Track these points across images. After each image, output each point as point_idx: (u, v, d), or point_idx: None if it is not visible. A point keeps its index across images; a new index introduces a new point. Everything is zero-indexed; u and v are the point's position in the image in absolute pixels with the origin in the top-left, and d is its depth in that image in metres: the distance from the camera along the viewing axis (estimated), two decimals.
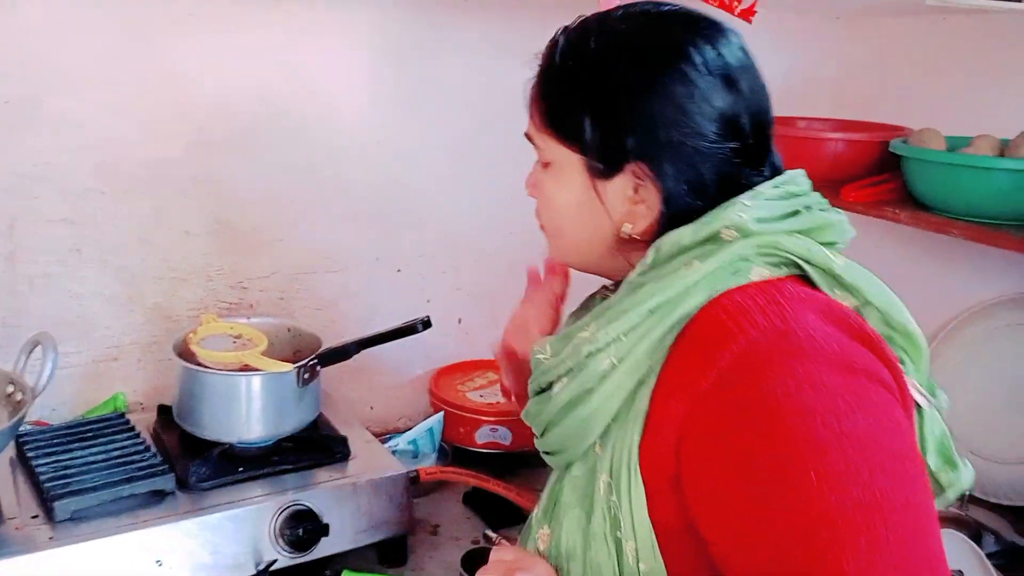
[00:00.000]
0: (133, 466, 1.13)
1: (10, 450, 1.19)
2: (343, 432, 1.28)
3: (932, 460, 0.78)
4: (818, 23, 1.81)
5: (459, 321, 1.68)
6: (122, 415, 1.28)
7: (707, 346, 0.69)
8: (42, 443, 1.18)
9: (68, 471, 1.11)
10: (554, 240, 0.86)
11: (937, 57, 1.66)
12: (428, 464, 1.45)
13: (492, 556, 0.79)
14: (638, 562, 0.72)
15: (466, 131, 1.57)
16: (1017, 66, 1.53)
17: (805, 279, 0.76)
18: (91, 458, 1.15)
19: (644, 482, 0.72)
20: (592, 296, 0.93)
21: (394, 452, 1.40)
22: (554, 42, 0.83)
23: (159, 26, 1.31)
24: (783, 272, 0.75)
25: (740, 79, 0.77)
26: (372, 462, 1.24)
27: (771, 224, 0.75)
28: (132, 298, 1.37)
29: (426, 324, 1.18)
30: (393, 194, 1.54)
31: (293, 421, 1.23)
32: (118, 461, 1.15)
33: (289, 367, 1.19)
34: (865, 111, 1.71)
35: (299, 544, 1.12)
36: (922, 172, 1.39)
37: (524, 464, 1.47)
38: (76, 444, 1.18)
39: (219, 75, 1.36)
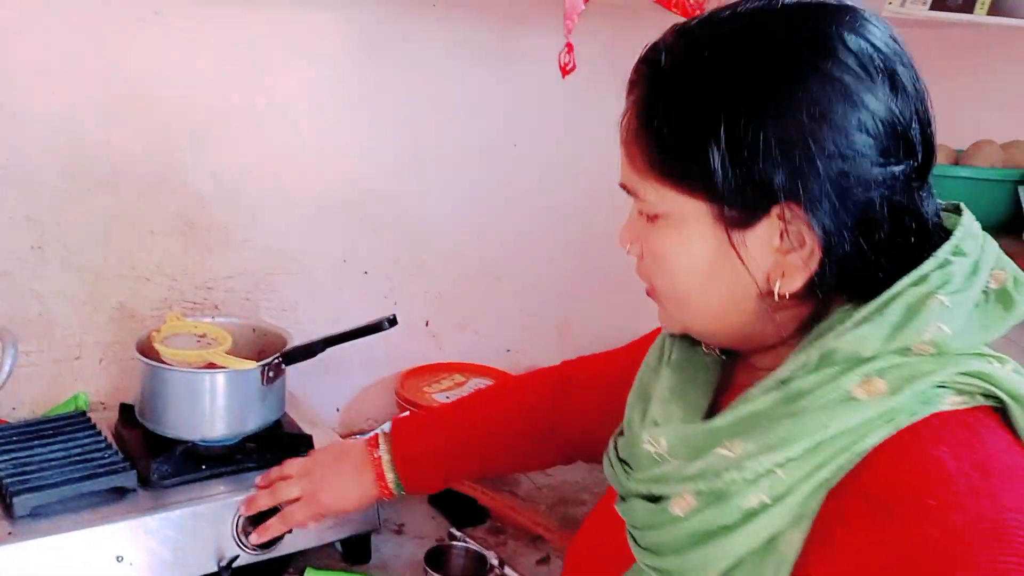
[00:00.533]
0: (94, 463, 1.12)
1: None
2: (308, 432, 1.28)
3: None
4: None
5: (426, 323, 1.69)
6: (83, 413, 1.27)
7: (893, 511, 0.58)
8: (1, 441, 1.17)
9: (28, 468, 1.10)
10: (676, 310, 0.71)
11: None
12: None
13: None
14: None
15: (430, 134, 1.58)
16: (970, 80, 1.58)
17: (999, 410, 0.63)
18: (51, 455, 1.14)
19: None
20: (682, 340, 0.78)
21: None
22: (648, 61, 0.68)
23: (123, 25, 1.30)
24: (976, 401, 0.62)
25: (901, 75, 0.63)
26: None
27: (972, 336, 0.62)
28: (94, 297, 1.37)
29: (392, 322, 1.18)
30: (358, 196, 1.55)
31: (257, 419, 1.22)
32: (79, 458, 1.13)
33: (253, 364, 1.19)
34: None
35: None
36: None
37: None
38: (36, 442, 1.17)
39: (183, 75, 1.36)
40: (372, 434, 1.10)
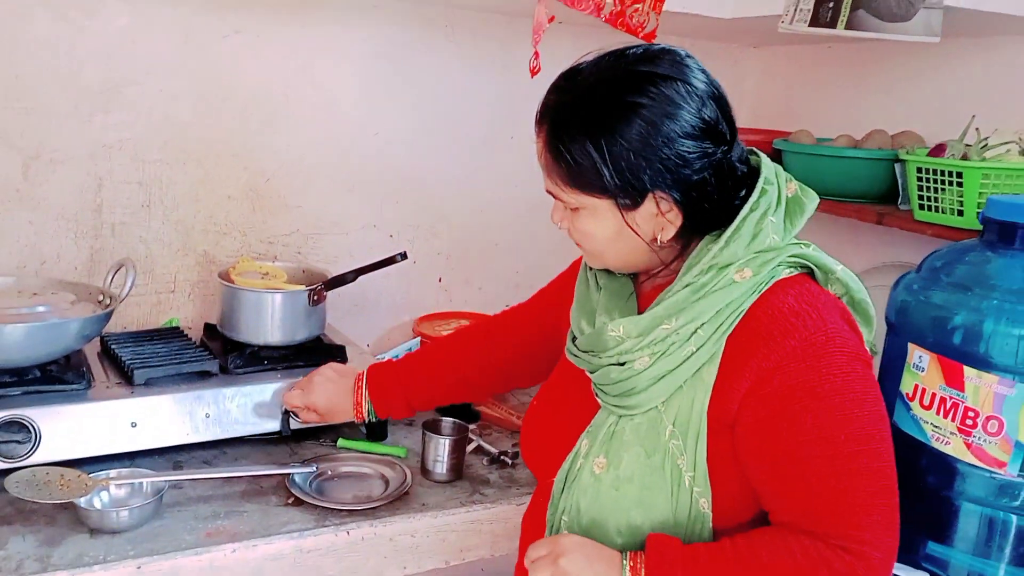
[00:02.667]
0: (188, 355, 1.55)
1: (96, 347, 1.61)
2: (342, 345, 1.69)
3: None
4: (737, 51, 2.24)
5: (439, 280, 2.09)
6: (178, 328, 1.70)
7: (770, 336, 0.95)
8: (121, 340, 1.60)
9: (142, 355, 1.53)
10: (595, 259, 1.08)
11: (818, 76, 2.09)
12: None
13: (529, 556, 1.03)
14: (693, 487, 0.99)
15: (442, 126, 1.99)
16: (869, 83, 1.94)
17: (810, 272, 1.04)
18: (157, 350, 1.56)
19: (708, 430, 0.99)
20: (601, 271, 1.15)
21: None
22: (548, 116, 1.01)
23: (211, 38, 1.74)
24: (797, 271, 1.02)
25: (708, 98, 0.98)
26: (363, 365, 1.63)
27: (788, 234, 1.02)
28: (186, 245, 1.80)
29: (403, 256, 1.59)
30: (386, 174, 1.96)
31: (305, 331, 1.64)
32: (177, 352, 1.56)
33: (303, 288, 1.61)
34: (777, 121, 2.13)
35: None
36: (795, 161, 1.81)
37: None
38: (146, 342, 1.60)
39: (254, 76, 1.79)
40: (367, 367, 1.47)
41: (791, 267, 1.02)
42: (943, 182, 1.49)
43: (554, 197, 1.05)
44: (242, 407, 1.48)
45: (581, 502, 1.05)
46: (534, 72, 1.58)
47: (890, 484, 0.95)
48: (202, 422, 1.45)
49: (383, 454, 1.57)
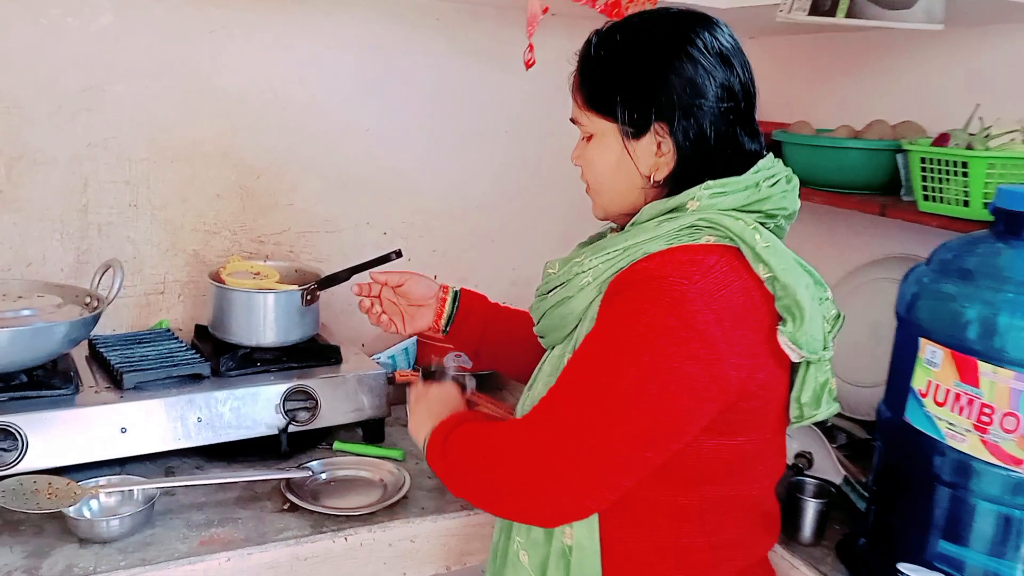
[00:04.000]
0: (178, 358, 1.51)
1: (83, 350, 1.57)
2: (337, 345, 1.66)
3: (806, 396, 1.03)
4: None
5: (435, 277, 2.04)
6: (168, 330, 1.66)
7: (632, 271, 0.98)
8: (109, 343, 1.57)
9: (131, 359, 1.49)
10: (597, 196, 1.11)
11: (817, 66, 2.06)
12: None
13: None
14: None
15: (435, 122, 1.96)
16: (869, 73, 1.91)
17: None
18: (147, 353, 1.53)
19: None
20: (601, 234, 1.21)
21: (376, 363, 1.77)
22: (588, 42, 1.09)
23: (197, 35, 1.70)
24: (727, 243, 0.99)
25: (732, 58, 1.03)
26: (359, 366, 1.61)
27: (723, 199, 1.00)
28: (175, 245, 1.76)
29: (398, 254, 1.54)
30: (378, 171, 1.92)
31: (298, 332, 1.60)
32: (167, 355, 1.53)
33: (296, 288, 1.58)
34: (776, 113, 2.10)
35: (299, 416, 1.49)
36: (795, 153, 1.78)
37: (483, 385, 1.84)
38: (135, 345, 1.57)
39: (241, 74, 1.76)
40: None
41: (715, 236, 1.00)
42: (947, 172, 1.46)
43: (575, 123, 1.11)
44: (235, 411, 1.45)
45: None
46: (528, 65, 1.54)
47: (609, 438, 0.94)
48: (194, 427, 1.41)
49: (381, 456, 1.54)
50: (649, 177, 1.05)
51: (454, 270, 2.06)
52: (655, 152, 1.04)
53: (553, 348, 1.12)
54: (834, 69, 2.00)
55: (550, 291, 1.11)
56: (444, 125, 1.97)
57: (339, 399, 1.53)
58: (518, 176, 2.06)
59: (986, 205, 1.42)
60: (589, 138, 1.09)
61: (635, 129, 1.04)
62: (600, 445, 0.94)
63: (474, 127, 2.00)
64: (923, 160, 1.51)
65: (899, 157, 1.66)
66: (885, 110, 1.80)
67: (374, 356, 1.77)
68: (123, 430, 1.36)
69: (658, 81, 1.02)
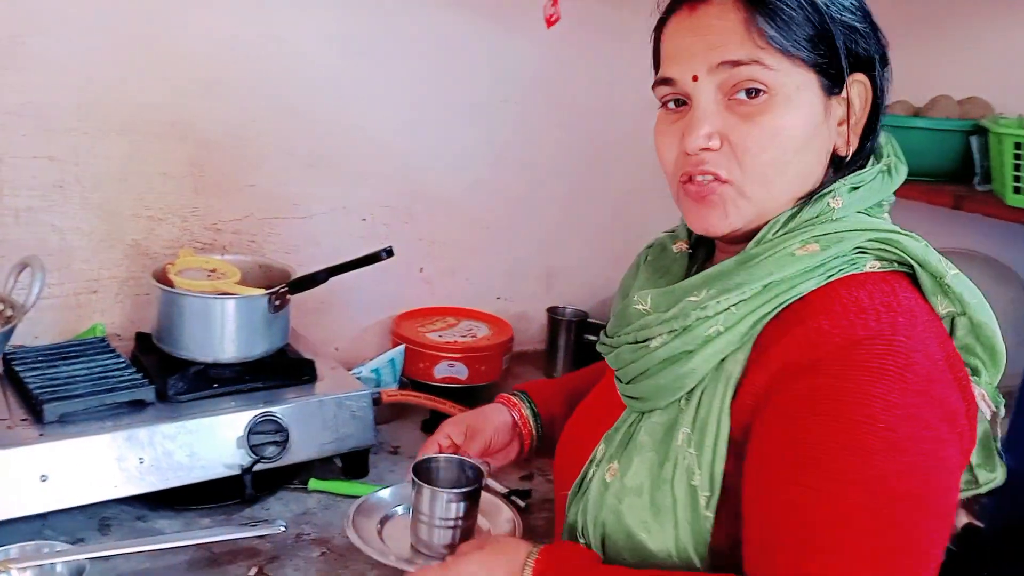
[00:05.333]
0: (115, 379, 1.23)
1: None
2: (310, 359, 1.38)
3: (975, 456, 0.80)
4: None
5: (420, 270, 1.79)
6: (103, 339, 1.37)
7: (818, 332, 0.73)
8: (29, 359, 1.27)
9: (55, 382, 1.20)
10: (761, 187, 0.79)
11: None
12: None
13: None
14: (706, 509, 0.76)
15: (424, 91, 1.68)
16: (932, 42, 1.68)
17: (911, 276, 0.78)
18: (75, 372, 1.24)
19: (730, 439, 0.76)
20: (654, 247, 0.96)
21: (357, 379, 1.50)
22: None
23: None
24: (894, 267, 0.78)
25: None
26: (337, 384, 1.34)
27: (859, 193, 0.79)
28: (111, 234, 1.46)
29: (389, 253, 1.28)
30: (356, 148, 1.64)
31: (264, 344, 1.32)
32: (101, 375, 1.24)
33: (261, 292, 1.29)
34: None
35: (267, 451, 1.22)
36: None
37: (478, 398, 1.59)
38: (60, 362, 1.27)
39: (195, 32, 1.45)
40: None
41: (881, 259, 0.78)
42: None
43: (737, 67, 0.77)
44: (187, 447, 1.17)
45: (588, 514, 0.85)
46: (551, 21, 1.27)
47: (884, 547, 0.67)
48: (135, 470, 1.13)
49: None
50: (833, 161, 0.82)
51: (443, 261, 1.79)
52: (840, 118, 0.80)
53: (650, 414, 0.83)
54: (891, 35, 1.75)
55: (647, 340, 0.83)
56: (435, 92, 1.68)
57: (315, 428, 1.26)
58: (520, 154, 1.79)
59: None
60: (755, 95, 0.77)
61: (831, 82, 0.79)
62: None
63: (471, 96, 1.71)
64: (1017, 145, 1.27)
65: (974, 139, 1.43)
66: (949, 85, 1.56)
67: (354, 370, 1.50)
68: (43, 478, 1.08)
69: (861, 7, 0.80)
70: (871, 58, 0.80)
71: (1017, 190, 1.29)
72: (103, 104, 1.41)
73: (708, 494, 0.76)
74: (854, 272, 0.77)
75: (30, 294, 1.20)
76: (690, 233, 0.93)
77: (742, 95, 0.78)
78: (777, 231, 0.79)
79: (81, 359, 1.29)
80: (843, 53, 0.78)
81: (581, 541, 0.85)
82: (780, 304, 0.77)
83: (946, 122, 1.46)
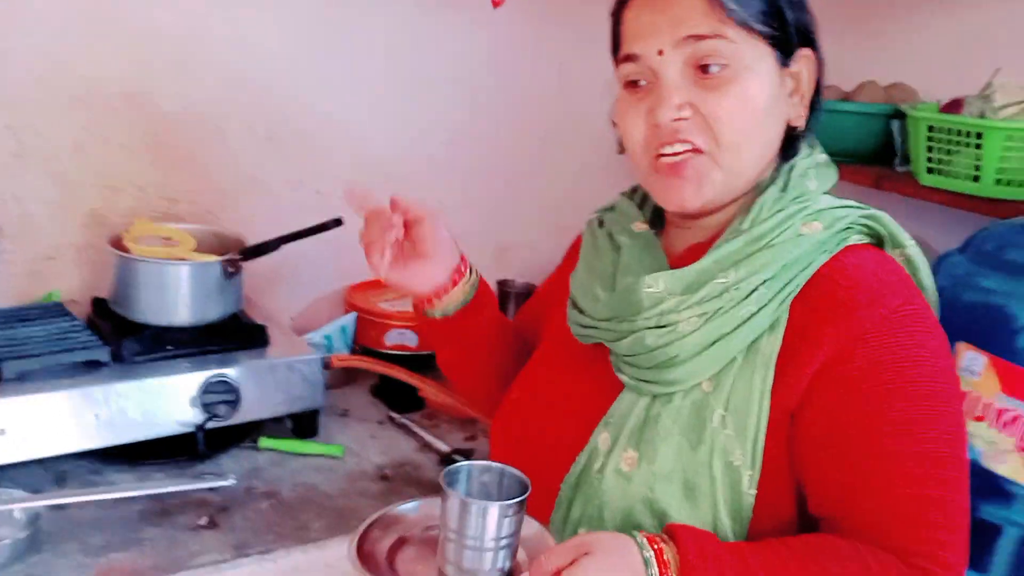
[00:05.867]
0: (72, 340, 1.27)
1: None
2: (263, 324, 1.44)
3: None
4: None
5: None
6: (59, 304, 1.41)
7: (853, 301, 0.79)
8: None
9: (13, 341, 1.25)
10: (734, 152, 0.84)
11: None
12: None
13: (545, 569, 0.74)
14: (750, 488, 0.80)
15: (378, 68, 1.72)
16: (858, 30, 1.75)
17: (877, 245, 0.88)
18: (33, 334, 1.28)
19: (769, 419, 0.80)
20: (605, 228, 0.98)
21: (309, 344, 1.56)
22: None
23: None
24: (866, 240, 0.87)
25: None
26: (288, 348, 1.39)
27: (825, 172, 0.89)
28: (69, 203, 1.50)
29: (338, 222, 1.34)
30: (311, 123, 1.68)
31: (218, 309, 1.37)
32: (58, 337, 1.28)
33: (215, 258, 1.35)
34: None
35: (219, 410, 1.27)
36: None
37: (428, 365, 1.65)
38: (18, 324, 1.32)
39: (154, 1, 1.49)
40: None
41: (860, 234, 0.87)
42: (957, 143, 1.32)
43: (701, 41, 0.82)
44: (141, 405, 1.22)
45: (605, 508, 0.84)
46: (497, 2, 1.33)
47: (967, 503, 0.79)
48: (91, 426, 1.19)
49: (316, 454, 1.34)
50: (785, 130, 0.87)
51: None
52: (791, 90, 0.86)
53: (669, 398, 0.84)
54: (820, 22, 1.83)
55: (672, 324, 0.83)
56: (390, 71, 1.73)
57: (266, 389, 1.32)
58: (471, 132, 1.84)
59: (998, 182, 1.29)
60: (723, 68, 0.82)
61: (785, 53, 0.85)
62: (967, 542, 0.79)
63: (424, 75, 1.76)
64: (930, 128, 1.36)
65: (895, 123, 1.51)
66: (875, 70, 1.64)
67: (306, 336, 1.55)
68: (1, 431, 1.13)
69: None
70: (812, 33, 0.87)
71: (930, 170, 1.37)
72: (62, 76, 1.44)
73: (751, 472, 0.80)
74: (846, 245, 0.84)
75: None
76: (643, 211, 0.98)
77: (709, 68, 0.82)
78: (770, 208, 0.85)
79: (38, 321, 1.33)
80: (792, 27, 0.84)
81: (582, 531, 0.85)
82: (801, 281, 0.82)
83: (870, 106, 1.54)
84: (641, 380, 0.85)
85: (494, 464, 0.83)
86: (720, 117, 0.82)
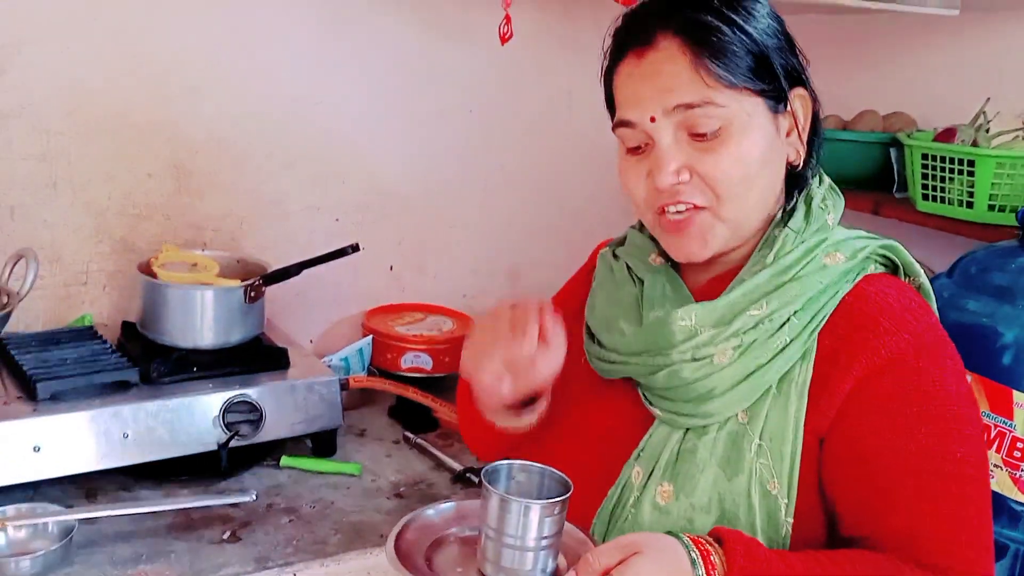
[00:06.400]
0: (102, 362, 1.34)
1: None
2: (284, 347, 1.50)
3: None
4: None
5: (391, 268, 1.90)
6: (91, 328, 1.48)
7: (879, 328, 0.82)
8: (22, 344, 1.38)
9: (47, 363, 1.31)
10: (736, 204, 0.86)
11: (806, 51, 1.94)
12: None
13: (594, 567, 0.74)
14: (787, 516, 0.82)
15: (393, 98, 1.78)
16: (858, 60, 1.81)
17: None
18: (66, 356, 1.35)
19: (803, 445, 0.82)
20: (620, 262, 0.99)
21: (328, 366, 1.62)
22: (666, 6, 0.87)
23: None
24: (881, 269, 0.90)
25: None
26: (308, 370, 1.45)
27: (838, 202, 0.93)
28: (99, 230, 1.57)
29: (355, 248, 1.40)
30: (330, 150, 1.75)
31: (240, 332, 1.43)
32: (89, 359, 1.34)
33: (238, 283, 1.41)
34: None
35: (242, 430, 1.33)
36: None
37: (443, 387, 1.70)
38: (52, 346, 1.38)
39: (177, 36, 1.56)
40: None
41: (876, 263, 0.91)
42: (951, 170, 1.36)
43: (692, 109, 0.84)
44: (168, 424, 1.28)
45: None
46: (505, 39, 1.40)
47: (991, 523, 0.83)
48: (120, 444, 1.24)
49: (334, 472, 1.39)
50: (788, 171, 0.90)
51: (411, 260, 1.91)
52: (788, 130, 0.89)
53: (702, 430, 0.86)
54: (821, 55, 1.88)
55: (708, 357, 0.85)
56: (405, 101, 1.80)
57: (286, 409, 1.38)
58: (484, 159, 1.90)
59: (991, 207, 1.34)
60: (717, 132, 0.84)
61: (775, 99, 0.87)
62: (993, 559, 0.83)
63: (437, 104, 1.83)
64: (924, 156, 1.41)
65: (893, 151, 1.56)
66: (874, 100, 1.70)
67: (324, 359, 1.61)
68: (36, 448, 1.19)
69: (778, 40, 0.87)
70: (802, 71, 0.90)
71: (926, 196, 1.42)
72: (91, 107, 1.52)
73: (787, 501, 0.82)
74: (866, 274, 0.88)
75: (24, 283, 1.31)
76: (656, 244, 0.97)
77: (700, 131, 0.84)
78: (793, 241, 0.87)
79: (71, 344, 1.40)
80: (782, 74, 0.87)
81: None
82: (828, 311, 0.85)
83: (869, 135, 1.59)
84: (676, 413, 0.87)
85: (535, 464, 0.82)
86: (717, 177, 0.85)
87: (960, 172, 1.35)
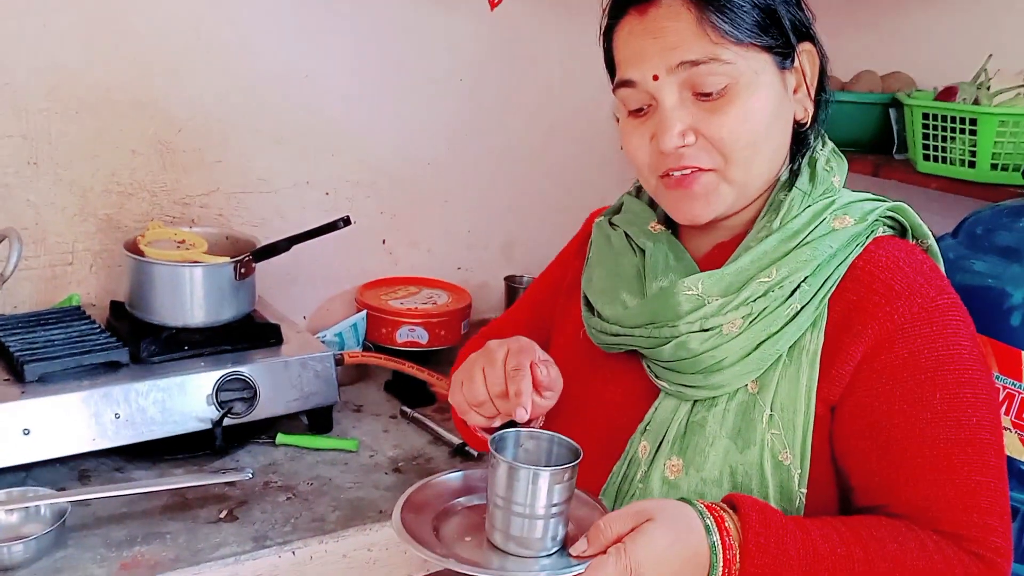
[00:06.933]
0: (91, 342, 1.31)
1: None
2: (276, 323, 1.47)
3: None
4: None
5: (383, 242, 1.87)
6: (79, 308, 1.45)
7: (892, 293, 0.79)
8: (8, 326, 1.35)
9: (34, 345, 1.28)
10: (744, 166, 0.83)
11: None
12: None
13: (605, 536, 0.72)
14: (800, 487, 0.80)
15: (382, 68, 1.75)
16: (854, 19, 1.77)
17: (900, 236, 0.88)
18: (54, 337, 1.32)
19: (815, 415, 0.80)
20: (619, 231, 0.95)
21: (322, 342, 1.59)
22: None
23: None
24: (890, 232, 0.87)
25: None
26: (302, 346, 1.43)
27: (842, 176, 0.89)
28: (84, 209, 1.53)
29: (346, 222, 1.37)
30: (318, 123, 1.71)
31: (231, 310, 1.41)
32: (78, 339, 1.32)
33: (227, 260, 1.38)
34: None
35: (235, 407, 1.31)
36: None
37: (438, 360, 1.68)
38: (39, 328, 1.35)
39: (159, 9, 1.52)
40: None
41: (884, 226, 0.87)
42: (952, 130, 1.34)
43: (695, 67, 0.80)
44: (160, 404, 1.26)
45: None
46: (494, 4, 1.36)
47: (1008, 489, 0.80)
48: (111, 424, 1.22)
49: (331, 448, 1.37)
50: (795, 130, 0.86)
51: (404, 233, 1.88)
52: (795, 87, 0.85)
53: (711, 402, 0.84)
54: (817, 14, 1.85)
55: (716, 327, 0.82)
56: (393, 70, 1.76)
57: (280, 386, 1.36)
58: (476, 129, 1.87)
59: (994, 167, 1.31)
60: (722, 91, 0.81)
61: (783, 55, 0.83)
62: (1010, 525, 0.81)
63: (427, 74, 1.79)
64: (925, 116, 1.38)
65: (893, 111, 1.53)
66: (871, 60, 1.66)
67: (318, 334, 1.59)
68: (26, 431, 1.17)
69: None
70: (809, 25, 0.86)
71: (927, 157, 1.39)
72: (72, 85, 1.48)
73: (800, 471, 0.80)
74: (875, 237, 0.85)
75: (8, 264, 1.28)
76: (655, 210, 0.95)
77: (706, 90, 0.81)
78: (800, 205, 0.84)
79: (59, 325, 1.37)
80: (789, 28, 0.83)
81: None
82: (838, 276, 0.82)
83: (868, 95, 1.56)
84: (684, 385, 0.84)
85: (543, 432, 0.80)
86: (724, 138, 0.82)
87: (962, 131, 1.32)
